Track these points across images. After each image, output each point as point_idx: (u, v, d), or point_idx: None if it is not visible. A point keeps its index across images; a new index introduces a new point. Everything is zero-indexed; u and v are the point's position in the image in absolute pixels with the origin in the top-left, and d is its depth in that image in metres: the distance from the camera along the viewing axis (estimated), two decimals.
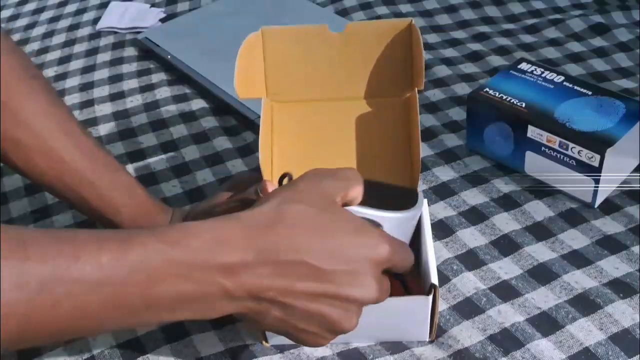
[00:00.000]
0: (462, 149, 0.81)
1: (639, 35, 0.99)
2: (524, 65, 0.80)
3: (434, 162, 0.80)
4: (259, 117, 0.68)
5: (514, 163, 0.77)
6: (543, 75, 0.78)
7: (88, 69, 1.03)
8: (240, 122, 0.89)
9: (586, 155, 0.69)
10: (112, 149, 0.86)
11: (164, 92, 0.96)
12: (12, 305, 0.38)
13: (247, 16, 1.05)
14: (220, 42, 1.01)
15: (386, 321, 0.57)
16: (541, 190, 0.75)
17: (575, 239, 0.69)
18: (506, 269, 0.67)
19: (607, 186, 0.72)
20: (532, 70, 0.79)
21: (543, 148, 0.72)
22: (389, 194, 0.54)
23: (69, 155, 0.61)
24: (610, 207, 0.72)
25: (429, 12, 1.10)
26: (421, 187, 0.76)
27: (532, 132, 0.72)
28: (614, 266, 0.66)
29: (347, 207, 0.48)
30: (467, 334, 0.61)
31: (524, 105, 0.74)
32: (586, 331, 0.60)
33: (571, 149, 0.70)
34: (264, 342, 0.61)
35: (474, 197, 0.75)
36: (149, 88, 0.97)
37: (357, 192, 0.48)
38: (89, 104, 0.95)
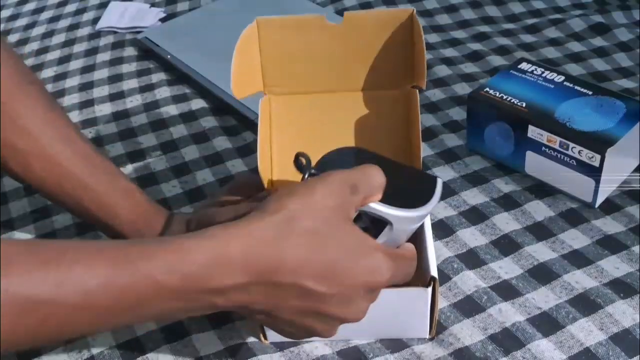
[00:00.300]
0: (462, 149, 0.81)
1: (639, 35, 0.99)
2: (524, 65, 0.80)
3: (434, 162, 0.80)
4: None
5: (514, 163, 0.76)
6: (543, 75, 0.78)
7: (88, 69, 1.03)
8: (240, 122, 0.89)
9: (587, 155, 0.69)
10: (112, 149, 0.86)
11: (163, 92, 0.96)
12: None
13: (247, 16, 1.04)
14: (220, 42, 1.00)
15: (385, 314, 0.56)
16: (541, 190, 0.75)
17: (575, 238, 0.69)
18: (506, 268, 0.67)
19: (608, 186, 0.72)
20: (533, 70, 0.79)
21: (543, 148, 0.72)
22: (406, 178, 0.52)
23: (67, 161, 0.61)
24: (610, 207, 0.72)
25: (429, 12, 1.10)
26: None
27: (533, 132, 0.72)
28: (615, 266, 0.66)
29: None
30: (467, 332, 0.61)
31: (524, 105, 0.74)
32: (587, 331, 0.60)
33: (571, 149, 0.70)
34: (263, 339, 0.61)
35: (474, 197, 0.75)
36: (148, 88, 0.97)
37: (375, 199, 0.48)
38: (88, 104, 0.95)
